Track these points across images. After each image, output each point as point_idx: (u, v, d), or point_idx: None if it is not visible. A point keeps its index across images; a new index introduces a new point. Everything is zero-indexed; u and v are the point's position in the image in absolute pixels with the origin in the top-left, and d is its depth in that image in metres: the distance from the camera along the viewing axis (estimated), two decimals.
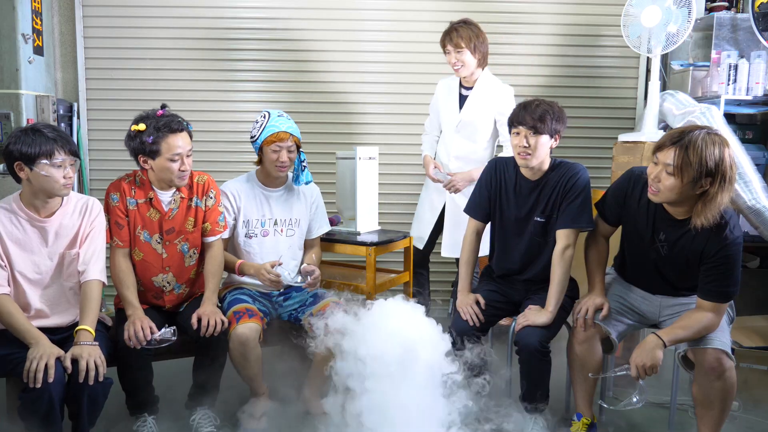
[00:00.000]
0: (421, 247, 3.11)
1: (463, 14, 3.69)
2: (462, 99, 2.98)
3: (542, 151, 2.22)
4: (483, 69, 2.95)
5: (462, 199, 2.87)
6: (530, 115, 2.19)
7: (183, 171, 2.23)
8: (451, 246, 3.00)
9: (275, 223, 2.52)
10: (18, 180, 2.00)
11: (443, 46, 2.94)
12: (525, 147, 2.21)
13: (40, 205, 2.03)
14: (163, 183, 2.28)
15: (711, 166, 1.86)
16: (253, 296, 2.44)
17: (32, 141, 1.93)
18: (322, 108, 3.76)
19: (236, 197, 2.47)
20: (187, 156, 2.24)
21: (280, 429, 2.36)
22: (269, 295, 2.53)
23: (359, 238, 2.80)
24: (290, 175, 2.58)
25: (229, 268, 2.47)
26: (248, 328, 2.24)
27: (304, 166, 2.53)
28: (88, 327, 1.99)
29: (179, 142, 2.19)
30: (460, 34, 2.87)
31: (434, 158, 3.07)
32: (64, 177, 1.98)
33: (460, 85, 3.00)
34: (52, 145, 1.95)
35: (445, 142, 3.04)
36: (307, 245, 2.66)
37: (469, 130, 2.95)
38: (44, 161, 1.93)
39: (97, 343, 1.96)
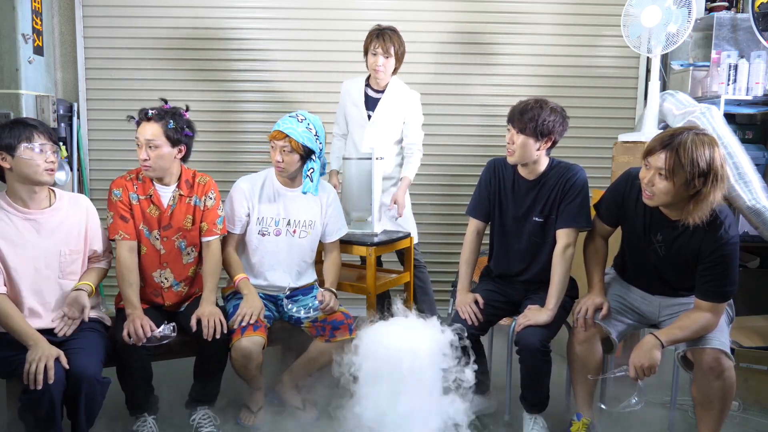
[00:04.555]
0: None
1: (463, 14, 3.74)
2: (371, 100, 3.03)
3: (525, 151, 2.24)
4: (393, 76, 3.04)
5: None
6: (519, 115, 2.23)
7: (144, 160, 2.23)
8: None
9: (288, 224, 2.49)
10: (2, 179, 2.02)
11: (370, 46, 2.95)
12: (509, 144, 2.28)
13: (26, 197, 2.04)
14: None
15: (703, 166, 1.86)
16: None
17: (11, 130, 1.98)
18: (322, 108, 3.75)
19: (251, 193, 2.45)
20: (150, 147, 2.21)
21: (278, 423, 2.38)
22: (276, 297, 2.50)
23: (359, 239, 2.78)
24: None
25: (229, 273, 2.45)
26: (252, 342, 2.22)
27: (310, 176, 2.42)
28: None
29: (144, 129, 2.22)
30: (393, 40, 2.91)
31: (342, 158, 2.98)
32: (46, 161, 2.00)
33: (368, 86, 3.05)
34: (31, 131, 1.99)
35: (354, 140, 3.08)
36: (326, 249, 2.62)
37: (378, 131, 3.00)
38: (25, 144, 1.97)
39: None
